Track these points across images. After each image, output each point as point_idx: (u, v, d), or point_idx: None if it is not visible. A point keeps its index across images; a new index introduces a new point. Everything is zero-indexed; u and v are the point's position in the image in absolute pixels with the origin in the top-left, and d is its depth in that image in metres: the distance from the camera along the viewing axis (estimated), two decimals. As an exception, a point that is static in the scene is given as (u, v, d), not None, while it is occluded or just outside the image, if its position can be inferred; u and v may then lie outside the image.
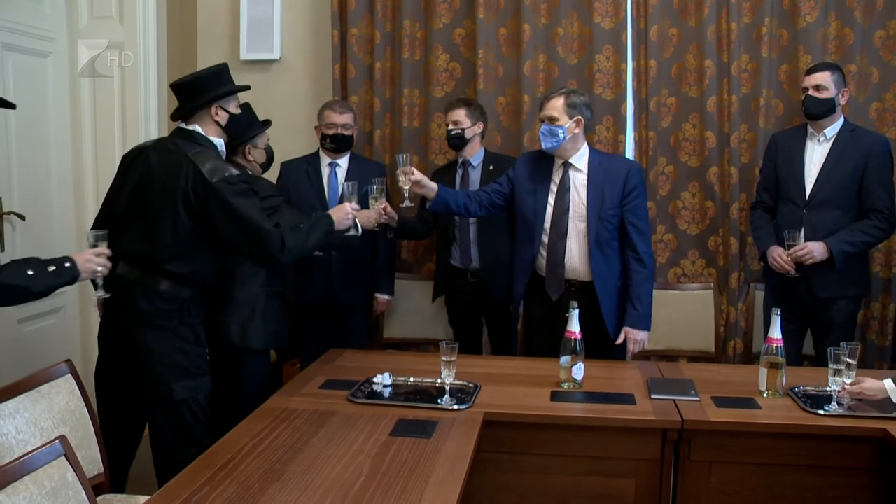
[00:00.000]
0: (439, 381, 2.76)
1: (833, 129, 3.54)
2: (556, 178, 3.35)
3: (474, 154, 3.85)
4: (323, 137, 3.86)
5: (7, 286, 2.38)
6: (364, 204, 3.39)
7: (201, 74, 2.97)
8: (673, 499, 2.59)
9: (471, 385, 2.81)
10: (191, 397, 2.83)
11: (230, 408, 3.09)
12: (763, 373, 2.78)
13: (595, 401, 2.73)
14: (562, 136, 3.24)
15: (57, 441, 1.90)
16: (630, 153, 4.22)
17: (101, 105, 4.19)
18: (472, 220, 3.78)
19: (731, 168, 4.10)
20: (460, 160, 3.87)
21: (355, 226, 3.19)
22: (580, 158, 3.33)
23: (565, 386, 2.85)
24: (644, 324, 3.29)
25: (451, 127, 3.80)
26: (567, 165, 3.33)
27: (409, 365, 3.11)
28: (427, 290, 4.17)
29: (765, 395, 2.76)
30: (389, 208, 3.44)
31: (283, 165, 3.95)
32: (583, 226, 3.29)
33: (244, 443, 2.31)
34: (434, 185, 3.36)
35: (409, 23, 4.31)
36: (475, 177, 3.83)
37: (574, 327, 2.84)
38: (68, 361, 2.56)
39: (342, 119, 3.80)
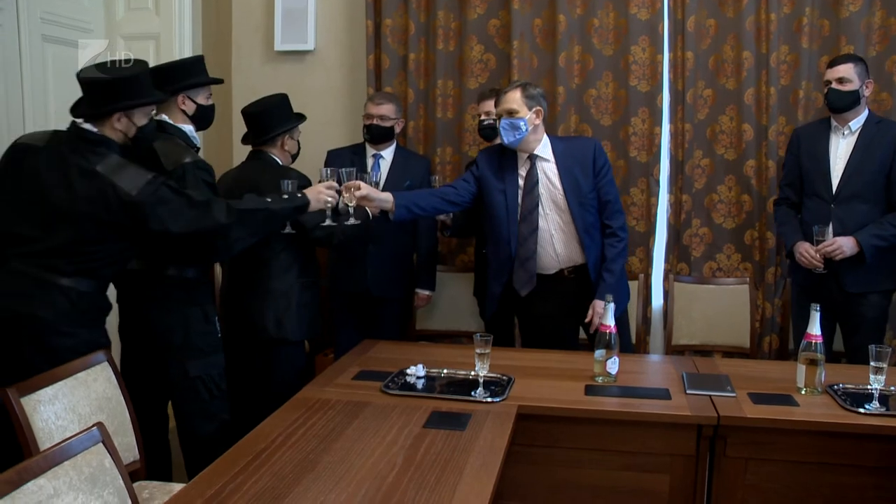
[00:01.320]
0: (473, 373, 2.75)
1: (858, 121, 3.48)
2: (523, 171, 3.28)
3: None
4: (364, 128, 3.86)
5: (251, 210, 2.72)
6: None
7: (179, 63, 3.08)
8: (708, 495, 2.56)
9: (504, 378, 2.81)
10: (205, 374, 2.95)
11: (266, 398, 3.12)
12: (801, 369, 2.74)
13: (630, 395, 2.71)
14: (524, 128, 3.17)
15: (95, 428, 1.92)
16: (665, 146, 4.18)
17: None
18: None
19: (768, 161, 4.05)
20: None
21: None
22: (544, 149, 3.28)
23: (599, 380, 2.83)
24: (613, 295, 3.07)
25: (483, 118, 3.78)
26: (533, 158, 3.26)
27: (442, 357, 3.10)
28: (461, 282, 4.17)
29: (803, 392, 2.72)
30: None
31: (329, 153, 3.95)
32: (566, 215, 3.24)
33: (278, 433, 2.32)
34: (388, 196, 3.16)
35: (444, 13, 4.30)
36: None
37: (609, 321, 2.82)
38: (105, 349, 2.59)
39: (379, 110, 3.79)
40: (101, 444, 1.91)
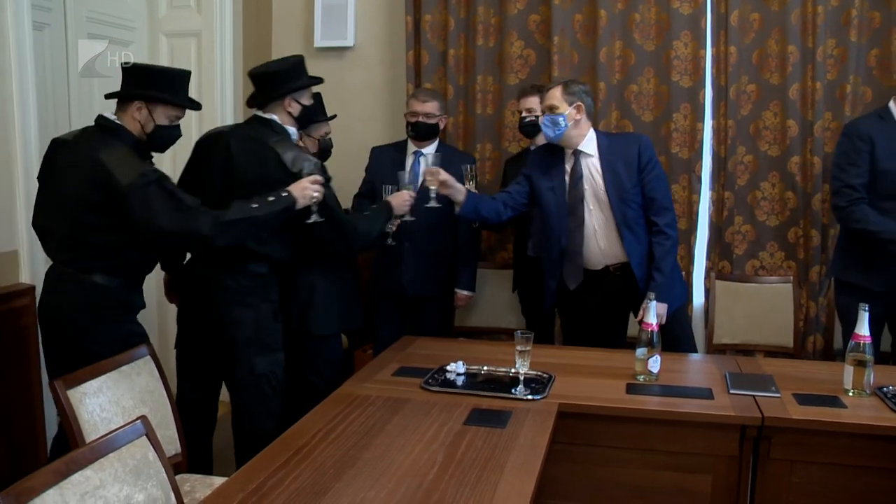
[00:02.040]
0: (513, 370, 2.74)
1: None
2: (568, 167, 3.30)
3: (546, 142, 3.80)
4: (407, 125, 3.84)
5: (236, 220, 2.67)
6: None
7: (280, 67, 3.01)
8: (751, 497, 2.52)
9: (545, 375, 2.79)
10: (270, 371, 2.96)
11: (298, 393, 3.16)
12: (849, 370, 2.68)
13: (672, 394, 2.68)
14: (563, 123, 3.19)
15: (139, 421, 1.94)
16: (708, 142, 4.13)
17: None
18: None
19: (813, 158, 3.97)
20: (533, 148, 3.82)
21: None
22: (589, 144, 3.27)
23: (641, 378, 2.81)
24: (662, 295, 3.10)
25: (524, 114, 3.76)
26: (577, 153, 3.27)
27: (482, 354, 3.10)
28: (500, 279, 4.16)
29: (850, 394, 2.66)
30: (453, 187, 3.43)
31: (373, 151, 3.96)
32: (607, 210, 3.24)
33: (318, 428, 2.32)
34: (462, 188, 3.33)
35: (484, 9, 4.29)
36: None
37: (651, 319, 2.79)
38: (148, 343, 2.62)
39: (424, 108, 3.78)
40: (144, 437, 1.93)
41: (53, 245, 2.72)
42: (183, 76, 2.81)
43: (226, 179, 2.93)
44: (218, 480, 2.39)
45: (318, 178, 2.87)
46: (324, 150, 3.51)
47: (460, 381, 2.78)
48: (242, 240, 2.79)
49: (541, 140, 3.77)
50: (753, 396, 2.64)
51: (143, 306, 2.88)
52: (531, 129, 3.74)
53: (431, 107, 3.79)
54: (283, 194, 2.79)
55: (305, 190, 2.83)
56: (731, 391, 2.69)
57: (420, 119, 3.77)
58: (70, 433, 2.19)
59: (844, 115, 3.92)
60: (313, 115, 3.20)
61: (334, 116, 3.52)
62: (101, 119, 2.72)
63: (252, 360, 2.93)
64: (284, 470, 2.04)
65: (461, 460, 2.11)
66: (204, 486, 2.44)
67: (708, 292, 4.11)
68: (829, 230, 4.00)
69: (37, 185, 2.79)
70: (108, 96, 2.75)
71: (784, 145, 4.04)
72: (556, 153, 3.34)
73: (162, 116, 2.73)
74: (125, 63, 2.77)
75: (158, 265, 3.15)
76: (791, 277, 4.01)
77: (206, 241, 2.66)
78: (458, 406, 2.51)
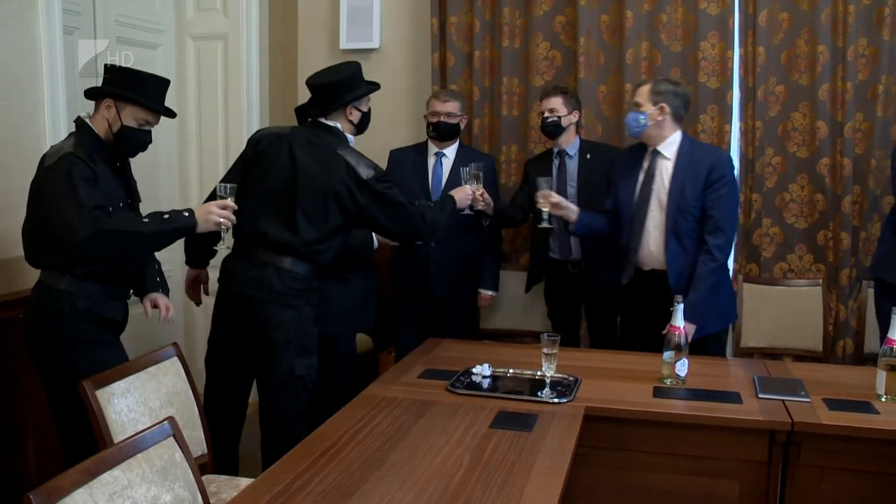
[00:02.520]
0: (539, 373, 2.72)
1: None
2: (645, 164, 3.33)
3: (570, 143, 3.79)
4: (427, 126, 3.84)
5: (117, 231, 2.50)
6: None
7: (342, 76, 3.04)
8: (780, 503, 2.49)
9: (571, 378, 2.78)
10: (307, 374, 2.96)
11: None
12: (881, 375, 2.64)
13: (699, 398, 2.65)
14: (643, 122, 3.22)
15: (166, 422, 1.95)
16: (735, 143, 4.09)
17: (206, 96, 4.32)
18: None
19: (843, 159, 3.92)
20: (556, 149, 3.81)
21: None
22: (668, 147, 3.27)
23: (668, 382, 2.79)
24: (691, 316, 3.01)
25: (546, 115, 3.73)
26: (655, 153, 3.29)
27: (507, 356, 3.09)
28: (524, 281, 4.15)
29: (883, 400, 2.62)
30: (486, 194, 3.44)
31: (392, 153, 3.97)
32: (663, 215, 3.24)
33: (345, 430, 2.33)
34: (575, 208, 3.44)
35: (509, 10, 4.28)
36: (572, 167, 3.78)
37: (678, 322, 2.77)
38: (175, 345, 2.63)
39: (445, 108, 3.78)
40: (171, 438, 1.94)
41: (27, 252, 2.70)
42: (160, 82, 2.76)
43: (285, 184, 2.93)
44: (244, 482, 2.41)
45: (230, 203, 2.71)
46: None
47: (486, 383, 2.78)
48: (118, 254, 2.63)
49: (564, 142, 3.77)
50: (783, 401, 2.61)
51: (121, 321, 2.78)
52: (553, 129, 3.72)
53: (452, 106, 3.79)
54: (185, 214, 2.64)
55: (210, 214, 2.66)
56: (760, 395, 2.67)
57: (441, 119, 3.77)
58: (98, 433, 2.21)
59: (876, 116, 3.87)
60: (369, 120, 3.19)
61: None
62: (77, 119, 2.70)
63: (292, 362, 2.91)
64: (311, 471, 2.04)
65: (487, 463, 2.11)
66: (230, 488, 2.45)
67: (735, 295, 4.06)
68: (860, 232, 3.94)
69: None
70: (86, 93, 2.73)
71: (813, 147, 3.99)
72: (639, 150, 3.39)
73: (129, 117, 2.64)
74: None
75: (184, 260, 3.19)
76: (820, 280, 3.97)
77: (76, 244, 2.47)
78: (484, 409, 2.51)
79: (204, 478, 2.47)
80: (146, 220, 2.58)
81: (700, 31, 4.06)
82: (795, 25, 3.99)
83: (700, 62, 4.06)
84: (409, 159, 3.88)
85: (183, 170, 4.35)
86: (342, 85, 3.02)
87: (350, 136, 3.08)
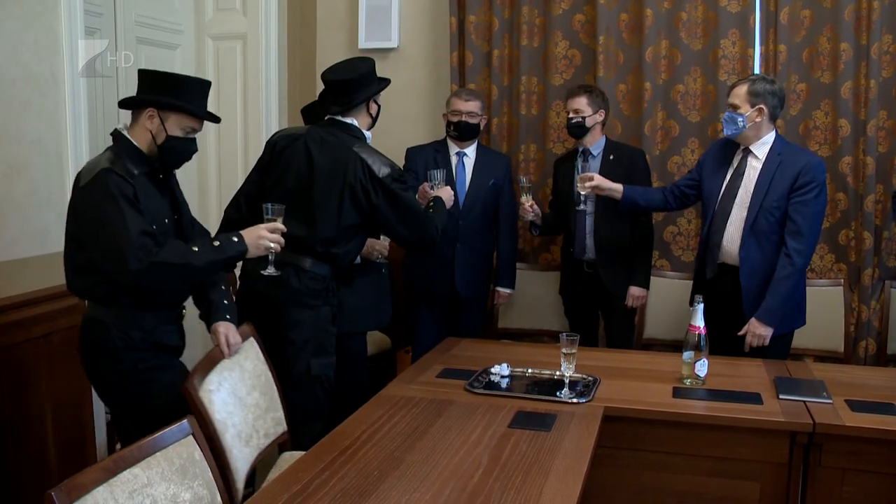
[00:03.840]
0: (558, 373, 2.72)
1: None
2: (735, 162, 3.35)
3: (595, 143, 3.77)
4: (448, 125, 3.83)
5: (168, 264, 2.35)
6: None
7: (362, 70, 3.02)
8: (802, 505, 2.48)
9: (590, 378, 2.77)
10: (324, 374, 2.98)
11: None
12: (905, 376, 2.62)
13: (719, 399, 2.64)
14: (741, 124, 3.22)
15: (185, 421, 1.96)
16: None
17: (225, 96, 4.33)
18: (588, 210, 3.73)
19: (866, 158, 3.87)
20: (580, 149, 3.80)
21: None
22: (761, 147, 3.28)
23: (688, 382, 2.77)
24: (769, 319, 3.13)
25: (571, 115, 3.72)
26: (746, 152, 3.31)
27: (525, 356, 3.08)
28: (543, 281, 4.15)
29: (906, 401, 2.60)
30: (535, 205, 3.46)
31: (411, 152, 3.95)
32: (744, 213, 3.25)
33: (363, 430, 2.33)
34: (619, 186, 3.49)
35: (528, 9, 4.26)
36: (594, 166, 3.75)
37: (698, 322, 2.75)
38: (250, 324, 2.66)
39: (467, 107, 3.77)
40: (191, 437, 1.95)
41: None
42: (203, 85, 2.60)
43: (302, 184, 2.94)
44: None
45: (279, 226, 2.58)
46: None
47: (504, 383, 2.77)
48: (170, 287, 2.49)
49: (588, 142, 3.76)
50: (804, 402, 2.59)
51: (177, 344, 2.64)
52: (577, 130, 3.71)
53: (474, 106, 3.79)
54: (234, 239, 2.50)
55: (261, 239, 2.53)
56: (781, 396, 2.64)
57: (463, 118, 3.76)
58: (207, 435, 2.22)
59: (901, 114, 3.82)
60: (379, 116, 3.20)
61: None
62: (113, 132, 2.51)
63: (309, 361, 2.93)
64: (329, 471, 2.04)
65: (506, 463, 2.10)
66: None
67: (805, 299, 4.01)
68: (883, 232, 3.90)
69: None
70: (121, 103, 2.55)
71: (835, 145, 3.96)
72: (731, 145, 3.39)
73: (175, 126, 2.46)
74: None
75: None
76: (842, 280, 3.93)
77: (126, 276, 2.32)
78: (502, 408, 2.50)
79: (283, 455, 2.58)
80: (196, 248, 2.42)
81: (720, 29, 4.02)
82: (817, 22, 3.95)
83: (720, 60, 4.03)
84: (430, 158, 3.85)
85: (202, 170, 4.36)
86: (363, 80, 3.01)
87: (367, 133, 3.07)
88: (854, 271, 3.97)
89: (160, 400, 2.44)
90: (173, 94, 2.45)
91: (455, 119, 3.78)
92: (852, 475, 2.43)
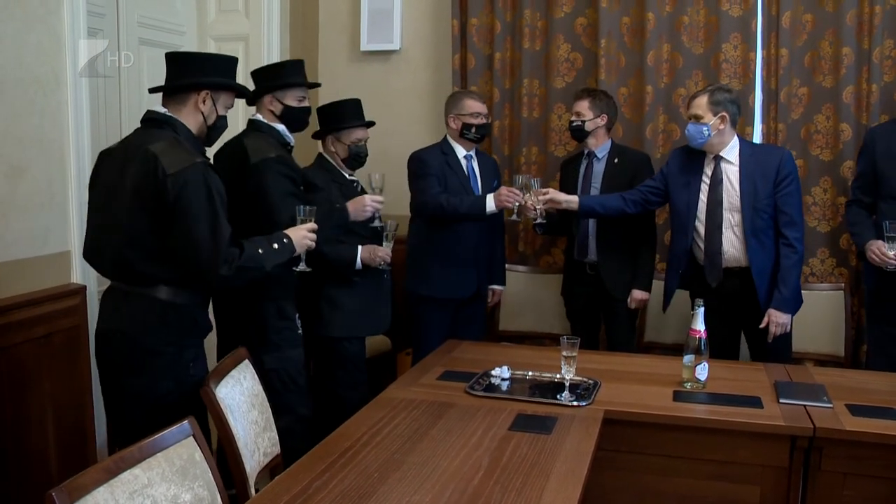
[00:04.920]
0: (558, 376, 2.71)
1: None
2: (708, 171, 3.41)
3: (600, 146, 3.77)
4: (466, 127, 3.71)
5: (248, 269, 2.43)
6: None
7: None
8: (801, 509, 2.47)
9: (590, 381, 2.77)
10: (280, 367, 3.01)
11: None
12: (905, 381, 2.62)
13: (720, 402, 2.63)
14: (706, 133, 3.31)
15: (186, 422, 1.96)
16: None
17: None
18: None
19: (868, 162, 3.87)
20: (585, 151, 3.80)
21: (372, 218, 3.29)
22: (730, 151, 3.38)
23: (688, 386, 2.77)
24: (787, 307, 3.29)
25: (573, 118, 3.74)
26: (718, 159, 3.38)
27: (526, 358, 3.08)
28: (545, 284, 4.15)
29: (907, 405, 2.59)
30: (539, 205, 3.48)
31: (420, 154, 3.81)
32: (738, 216, 3.34)
33: (363, 431, 2.33)
34: (574, 198, 3.55)
35: (530, 12, 4.27)
36: (598, 169, 3.76)
37: (699, 325, 2.75)
38: (244, 348, 2.65)
39: (484, 108, 3.77)
40: (191, 438, 1.95)
41: (107, 262, 2.48)
42: (236, 61, 2.67)
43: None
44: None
45: (314, 226, 2.73)
46: (354, 157, 3.48)
47: (505, 386, 2.78)
48: (239, 286, 2.64)
49: (592, 145, 3.76)
50: (804, 406, 2.59)
51: (210, 328, 2.66)
52: (577, 133, 3.73)
53: (486, 108, 3.80)
54: (285, 241, 2.62)
55: (304, 239, 2.69)
56: (781, 400, 2.64)
57: (483, 120, 3.74)
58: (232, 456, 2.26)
59: (901, 118, 3.82)
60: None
61: (372, 123, 3.54)
62: (152, 114, 2.50)
63: (260, 356, 2.94)
64: (329, 473, 2.04)
65: (506, 466, 2.10)
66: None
67: None
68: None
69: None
70: (155, 90, 2.56)
71: (837, 149, 3.96)
72: (696, 154, 3.47)
73: (222, 107, 2.57)
74: (171, 53, 2.64)
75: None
76: (842, 285, 3.93)
77: (214, 278, 2.38)
78: (502, 411, 2.50)
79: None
80: (261, 251, 2.50)
81: (722, 33, 4.03)
82: (819, 27, 3.96)
83: (722, 64, 4.04)
84: (441, 161, 3.74)
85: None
86: (268, 72, 3.26)
87: (280, 127, 3.18)
88: (854, 276, 3.97)
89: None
90: (222, 74, 2.59)
91: (477, 121, 3.71)
92: (852, 479, 2.42)
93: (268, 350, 3.01)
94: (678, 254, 3.52)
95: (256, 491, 2.28)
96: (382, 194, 3.27)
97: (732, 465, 2.50)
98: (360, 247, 3.35)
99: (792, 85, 3.99)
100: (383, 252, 3.35)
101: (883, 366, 3.26)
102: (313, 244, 2.73)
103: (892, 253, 3.15)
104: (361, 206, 3.18)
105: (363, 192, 3.44)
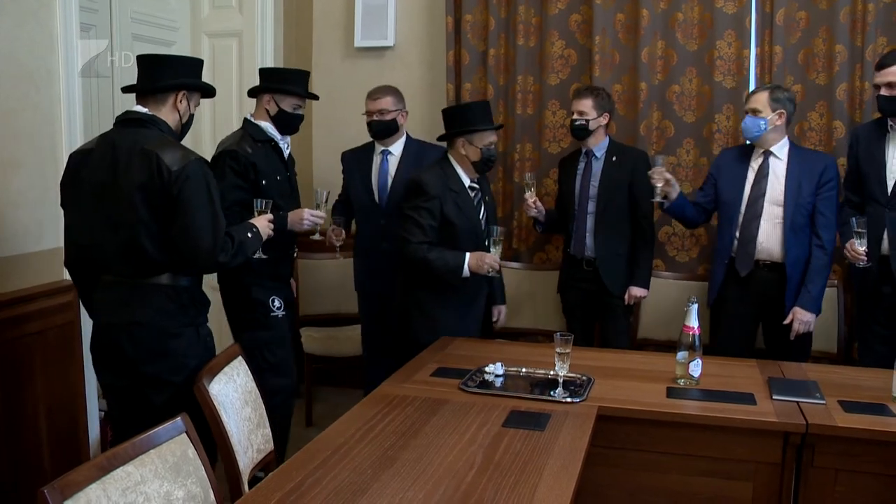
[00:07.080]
0: (552, 372, 2.71)
1: None
2: (755, 164, 3.53)
3: (598, 144, 3.77)
4: (367, 125, 3.81)
5: (237, 255, 2.64)
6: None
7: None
8: (794, 505, 2.48)
9: (584, 378, 2.77)
10: (252, 347, 3.11)
11: None
12: (897, 377, 2.62)
13: (713, 399, 2.63)
14: (763, 126, 3.42)
15: (179, 419, 1.96)
16: (751, 143, 4.06)
17: (220, 93, 4.27)
18: (590, 209, 3.73)
19: (861, 160, 3.88)
20: (584, 150, 3.80)
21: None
22: (781, 148, 3.50)
23: (681, 382, 2.77)
24: (813, 306, 3.41)
25: (576, 117, 3.71)
26: (767, 154, 3.50)
27: (520, 355, 3.08)
28: (538, 281, 4.15)
29: (899, 402, 2.60)
30: (539, 203, 3.45)
31: (343, 155, 3.95)
32: (779, 210, 3.46)
33: (356, 428, 2.32)
34: (678, 189, 3.61)
35: (524, 8, 4.27)
36: (597, 168, 3.76)
37: (692, 322, 2.75)
38: (237, 344, 2.69)
39: (377, 105, 3.75)
40: (184, 435, 1.95)
41: (112, 256, 2.53)
42: (202, 63, 2.79)
43: None
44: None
45: (271, 216, 2.92)
46: (486, 160, 3.39)
47: (499, 382, 2.77)
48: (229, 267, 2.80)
49: (591, 143, 3.75)
50: (797, 403, 2.59)
51: (209, 303, 2.79)
52: (580, 132, 3.71)
53: (385, 103, 3.75)
54: (255, 230, 2.80)
55: (266, 229, 2.86)
56: (774, 397, 2.64)
57: (374, 117, 3.74)
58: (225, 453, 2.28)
59: None
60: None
61: (501, 126, 3.56)
62: (133, 114, 2.57)
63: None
64: (322, 469, 2.04)
65: (500, 462, 2.10)
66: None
67: None
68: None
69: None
70: (128, 89, 2.64)
71: (830, 147, 3.97)
72: (744, 151, 3.62)
73: (194, 105, 2.72)
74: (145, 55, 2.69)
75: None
76: (836, 282, 3.93)
77: (211, 266, 2.66)
78: (496, 408, 2.50)
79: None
80: (244, 240, 2.69)
81: (716, 30, 4.04)
82: (813, 24, 3.97)
83: (716, 61, 4.04)
84: (356, 160, 3.87)
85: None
86: (275, 73, 3.43)
87: (265, 124, 3.32)
88: (848, 273, 3.97)
89: None
90: (194, 75, 2.73)
91: (368, 119, 3.77)
92: (845, 476, 2.43)
93: (241, 331, 3.28)
94: (724, 246, 3.60)
95: (249, 487, 2.29)
96: (323, 210, 3.34)
97: (725, 461, 2.50)
98: (467, 254, 3.27)
99: (786, 82, 3.99)
100: (491, 259, 3.26)
101: (871, 363, 3.27)
102: (272, 233, 2.90)
103: (863, 249, 3.16)
104: (299, 219, 3.26)
105: (482, 199, 3.46)
